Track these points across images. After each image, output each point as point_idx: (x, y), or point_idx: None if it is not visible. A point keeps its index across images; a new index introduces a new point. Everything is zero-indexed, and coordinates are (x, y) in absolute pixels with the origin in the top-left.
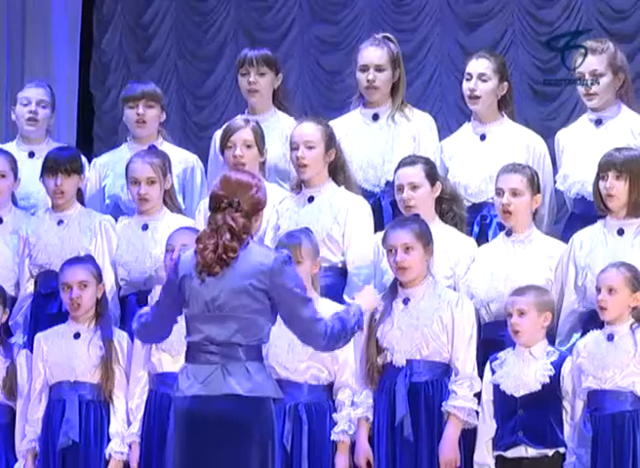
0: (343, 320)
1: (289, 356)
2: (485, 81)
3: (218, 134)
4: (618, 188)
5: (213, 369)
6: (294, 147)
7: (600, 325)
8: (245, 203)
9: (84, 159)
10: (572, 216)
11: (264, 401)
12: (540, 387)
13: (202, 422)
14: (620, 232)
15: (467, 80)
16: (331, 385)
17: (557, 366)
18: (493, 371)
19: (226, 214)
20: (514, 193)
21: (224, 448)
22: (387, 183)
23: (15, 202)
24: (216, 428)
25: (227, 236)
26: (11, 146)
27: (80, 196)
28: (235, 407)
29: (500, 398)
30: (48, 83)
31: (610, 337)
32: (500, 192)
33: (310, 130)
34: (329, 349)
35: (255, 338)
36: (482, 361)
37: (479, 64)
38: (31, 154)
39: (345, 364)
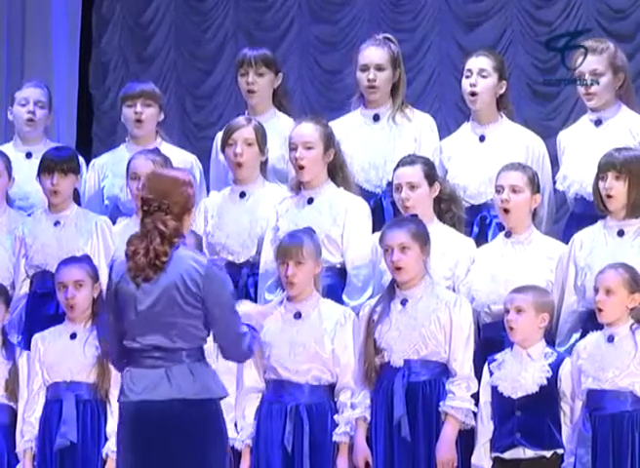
0: (254, 336)
1: (290, 357)
2: (485, 77)
3: (219, 135)
4: (617, 189)
5: (157, 373)
6: (292, 148)
7: (600, 325)
8: (174, 204)
9: (81, 159)
10: (572, 216)
11: (211, 402)
12: (537, 389)
13: (150, 427)
14: (621, 233)
15: (467, 77)
16: (332, 386)
17: (555, 367)
18: (491, 373)
19: (156, 217)
20: (514, 190)
21: (173, 451)
22: (389, 184)
23: (10, 202)
24: (163, 432)
25: (158, 240)
26: (8, 147)
27: (76, 197)
28: (182, 410)
29: (498, 399)
30: (47, 83)
31: (610, 339)
32: (499, 189)
33: (309, 130)
34: (240, 358)
35: (195, 341)
36: (482, 361)
37: (479, 61)
38: (29, 155)
39: (347, 365)
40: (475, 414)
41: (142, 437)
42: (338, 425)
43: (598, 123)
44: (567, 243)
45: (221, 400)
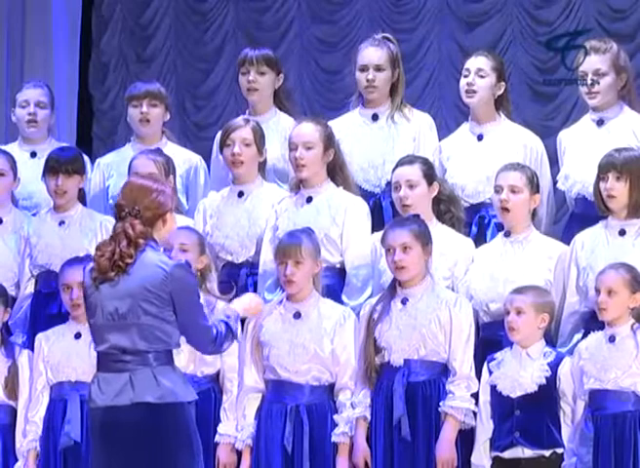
0: (229, 324)
1: (290, 357)
2: (482, 77)
3: (219, 135)
4: (618, 189)
5: (122, 377)
6: (292, 148)
7: (602, 325)
8: (145, 209)
9: (86, 159)
10: (572, 216)
11: (177, 406)
12: (536, 388)
13: (116, 433)
14: (622, 233)
15: (465, 76)
16: (332, 386)
17: (554, 366)
18: (490, 372)
19: (125, 221)
20: (513, 190)
21: (140, 457)
22: (388, 184)
23: (15, 202)
24: (129, 438)
25: (124, 243)
26: (13, 147)
27: (82, 197)
28: (146, 415)
29: (497, 399)
30: (47, 82)
31: (611, 339)
32: (498, 190)
33: (309, 130)
34: (214, 353)
35: (162, 344)
36: (481, 360)
37: (477, 61)
38: (33, 154)
39: (347, 365)
40: (475, 414)
41: (110, 442)
42: (337, 425)
43: (600, 123)
44: (567, 243)
45: (190, 403)
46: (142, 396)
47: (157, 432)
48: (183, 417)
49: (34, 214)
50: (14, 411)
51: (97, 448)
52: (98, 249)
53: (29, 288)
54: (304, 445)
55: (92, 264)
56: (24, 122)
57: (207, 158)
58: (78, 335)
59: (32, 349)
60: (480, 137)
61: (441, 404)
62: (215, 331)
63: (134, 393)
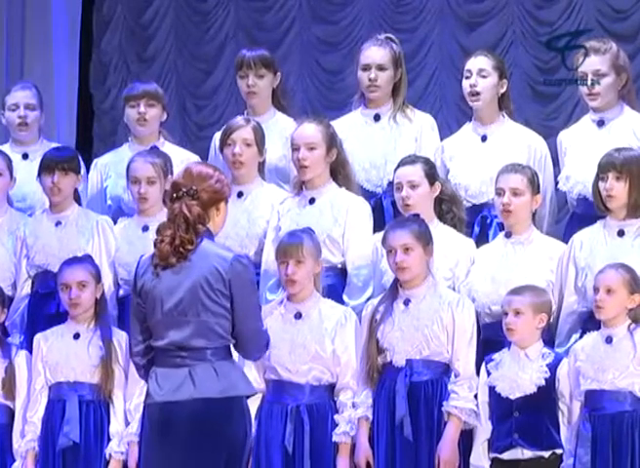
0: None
1: (291, 357)
2: (485, 77)
3: (218, 134)
4: (617, 189)
5: (181, 373)
6: (295, 148)
7: (599, 325)
8: (203, 192)
9: (81, 160)
10: (573, 216)
11: (236, 400)
12: (535, 389)
13: (175, 428)
14: (621, 233)
15: (467, 78)
16: (333, 386)
17: (553, 368)
18: (488, 373)
19: (182, 202)
20: (514, 193)
21: (198, 452)
22: (389, 184)
23: (10, 203)
24: (188, 433)
25: (183, 227)
26: (4, 149)
27: (77, 197)
28: (207, 409)
29: (496, 400)
30: (47, 83)
31: (608, 340)
32: (500, 192)
33: (311, 131)
34: (257, 359)
35: (221, 341)
36: (481, 361)
37: (478, 61)
38: (25, 156)
39: (347, 365)
40: (477, 414)
41: (168, 438)
42: (338, 425)
43: (601, 123)
44: (568, 243)
45: (249, 397)
46: (203, 391)
47: (217, 426)
48: (243, 411)
49: (30, 216)
50: (11, 412)
51: (154, 444)
52: (157, 233)
53: (26, 288)
54: (305, 445)
55: (147, 255)
56: (15, 125)
57: (207, 158)
58: (77, 336)
59: (30, 350)
60: (484, 138)
61: (445, 404)
62: (267, 338)
63: (194, 389)
